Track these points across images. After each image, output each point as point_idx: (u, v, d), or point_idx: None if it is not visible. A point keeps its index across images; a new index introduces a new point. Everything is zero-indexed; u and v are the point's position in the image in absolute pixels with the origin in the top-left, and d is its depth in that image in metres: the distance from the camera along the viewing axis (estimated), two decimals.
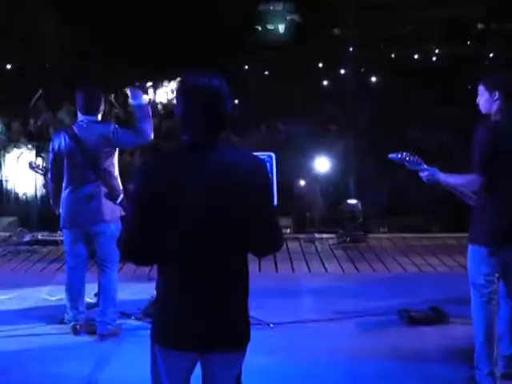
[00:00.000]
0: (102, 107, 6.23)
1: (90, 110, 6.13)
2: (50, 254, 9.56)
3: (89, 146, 6.01)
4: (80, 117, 6.18)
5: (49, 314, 6.68)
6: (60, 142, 6.13)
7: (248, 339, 3.18)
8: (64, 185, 6.19)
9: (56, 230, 10.10)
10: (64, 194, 6.19)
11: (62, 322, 6.45)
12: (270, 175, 3.21)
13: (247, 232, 3.07)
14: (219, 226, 3.02)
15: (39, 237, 10.15)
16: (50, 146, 6.27)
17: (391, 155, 5.29)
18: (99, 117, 6.21)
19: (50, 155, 6.28)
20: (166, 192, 2.99)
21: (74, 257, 6.26)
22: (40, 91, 18.70)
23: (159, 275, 3.13)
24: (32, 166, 7.03)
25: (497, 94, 4.97)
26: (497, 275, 5.00)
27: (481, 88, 5.05)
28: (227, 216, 3.01)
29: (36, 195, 11.58)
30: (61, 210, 6.24)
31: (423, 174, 5.13)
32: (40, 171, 7.10)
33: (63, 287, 6.49)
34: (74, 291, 6.29)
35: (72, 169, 6.11)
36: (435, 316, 6.64)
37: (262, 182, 3.09)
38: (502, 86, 4.99)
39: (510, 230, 4.89)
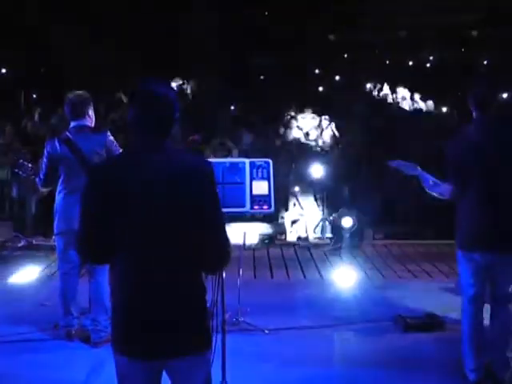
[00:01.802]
0: (90, 112, 6.30)
1: (78, 115, 6.22)
2: (44, 259, 9.55)
3: (83, 151, 6.03)
4: (71, 123, 6.26)
5: (43, 320, 6.65)
6: (55, 147, 6.15)
7: (210, 342, 3.17)
8: (58, 190, 6.21)
9: (51, 235, 10.11)
10: (57, 199, 6.21)
11: (55, 327, 6.43)
12: (215, 180, 3.17)
13: (191, 238, 3.07)
14: (163, 225, 3.04)
15: (34, 242, 10.14)
16: (45, 152, 6.26)
17: (389, 163, 5.39)
18: (90, 122, 6.28)
19: (45, 160, 6.26)
20: (111, 192, 3.05)
21: (66, 262, 6.25)
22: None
23: (111, 278, 3.16)
24: (19, 165, 6.72)
25: (469, 103, 5.04)
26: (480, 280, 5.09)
27: None
28: (171, 216, 3.04)
29: (32, 200, 11.55)
30: (54, 216, 6.22)
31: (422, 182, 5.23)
32: (27, 171, 6.77)
33: (58, 292, 6.47)
34: (68, 297, 6.28)
35: (67, 174, 6.15)
36: (431, 323, 6.64)
37: (205, 184, 3.10)
38: (474, 96, 5.05)
39: (482, 236, 4.96)
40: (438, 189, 5.18)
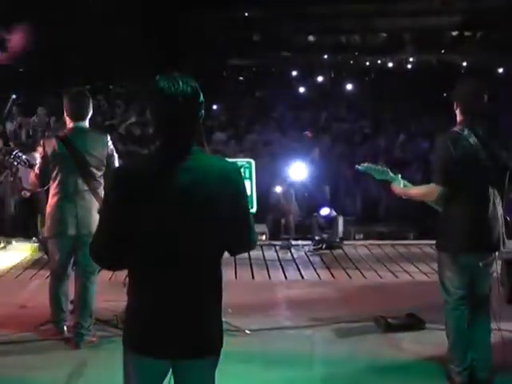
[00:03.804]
0: (90, 113, 6.19)
1: (82, 116, 6.10)
2: (24, 261, 9.50)
3: (83, 154, 5.96)
4: (70, 123, 6.13)
5: (24, 322, 6.61)
6: (53, 147, 6.02)
7: (221, 346, 3.16)
8: (53, 192, 6.07)
9: (31, 236, 10.07)
10: (52, 201, 6.07)
11: (36, 328, 6.39)
12: (243, 179, 3.18)
13: (220, 238, 3.06)
14: (191, 232, 2.99)
15: (13, 243, 10.08)
16: (42, 152, 6.10)
17: (358, 167, 5.39)
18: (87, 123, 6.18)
19: (40, 161, 6.11)
20: (137, 197, 2.97)
21: (60, 266, 6.18)
22: (12, 96, 18.56)
23: (130, 280, 3.10)
24: (14, 155, 6.42)
25: (455, 103, 5.05)
26: (465, 282, 5.10)
27: None
28: (199, 221, 3.00)
29: (10, 201, 11.48)
30: (46, 219, 6.14)
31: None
32: (21, 161, 6.42)
33: (39, 294, 6.44)
34: (59, 299, 6.21)
35: (63, 176, 6.01)
36: (411, 322, 6.67)
37: (235, 187, 3.07)
38: (460, 97, 5.07)
39: (471, 239, 4.96)
40: (418, 190, 5.17)
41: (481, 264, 5.01)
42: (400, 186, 5.25)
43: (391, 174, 5.29)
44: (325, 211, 10.99)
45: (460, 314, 5.11)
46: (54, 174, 6.05)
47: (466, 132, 4.93)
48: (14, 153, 6.50)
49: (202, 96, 3.04)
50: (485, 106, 5.04)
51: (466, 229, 4.95)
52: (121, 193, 3.01)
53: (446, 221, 5.08)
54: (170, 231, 2.99)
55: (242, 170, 5.65)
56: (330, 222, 11.11)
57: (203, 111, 3.07)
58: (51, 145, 6.05)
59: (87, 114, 6.15)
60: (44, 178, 6.12)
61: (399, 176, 5.33)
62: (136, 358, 3.07)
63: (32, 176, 6.27)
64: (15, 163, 6.48)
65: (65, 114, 6.20)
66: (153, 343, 3.03)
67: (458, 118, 5.08)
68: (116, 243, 3.03)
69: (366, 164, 5.41)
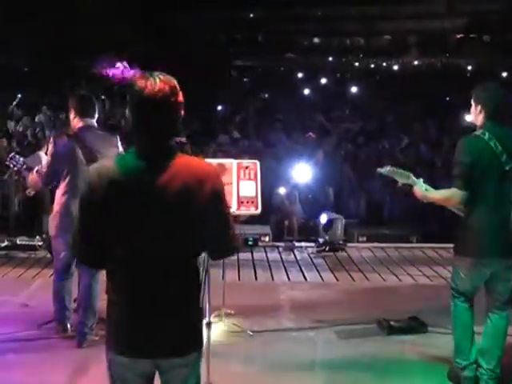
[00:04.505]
0: (97, 113, 6.23)
1: (91, 114, 6.14)
2: (28, 260, 9.51)
3: (93, 151, 5.94)
4: (79, 122, 6.14)
5: (27, 320, 6.61)
6: (63, 146, 6.01)
7: (201, 343, 3.13)
8: (62, 190, 6.05)
9: (34, 235, 10.07)
10: (61, 200, 6.05)
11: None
12: (222, 183, 3.08)
13: (196, 240, 3.02)
14: (165, 233, 2.95)
15: (17, 242, 10.08)
16: (51, 150, 6.08)
17: (380, 170, 5.37)
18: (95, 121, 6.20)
19: (49, 159, 6.10)
20: (110, 198, 2.93)
21: (64, 264, 6.17)
22: (18, 97, 18.64)
23: (107, 280, 3.08)
24: (11, 158, 6.52)
25: (479, 107, 5.01)
26: (480, 285, 5.11)
27: (472, 99, 5.10)
28: (173, 223, 2.95)
29: (15, 199, 11.49)
30: (54, 217, 6.14)
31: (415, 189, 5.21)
32: (18, 164, 6.51)
33: (42, 293, 6.44)
34: (65, 297, 6.22)
35: (74, 175, 5.99)
36: (414, 325, 6.66)
37: (213, 190, 2.98)
38: (485, 99, 5.02)
39: (493, 243, 4.94)
40: (439, 195, 5.14)
41: (500, 268, 4.99)
42: (422, 189, 5.21)
43: (413, 178, 5.25)
44: (323, 219, 10.95)
45: (466, 310, 5.13)
46: (64, 172, 6.05)
47: (487, 135, 4.91)
48: (11, 155, 6.53)
49: (180, 96, 2.98)
50: (510, 109, 5.03)
51: (486, 233, 4.93)
52: (94, 194, 2.97)
53: (466, 225, 5.03)
54: (144, 232, 2.95)
55: (247, 170, 5.65)
56: (330, 224, 11.07)
57: (182, 112, 3.00)
58: (62, 143, 6.04)
59: (95, 113, 6.19)
60: (52, 177, 6.12)
61: (421, 180, 5.29)
62: (118, 360, 3.05)
63: (33, 176, 6.28)
64: (11, 166, 6.50)
65: (72, 114, 6.21)
66: (130, 343, 3.00)
67: (480, 121, 5.02)
68: (93, 244, 3.01)
69: (388, 168, 5.36)
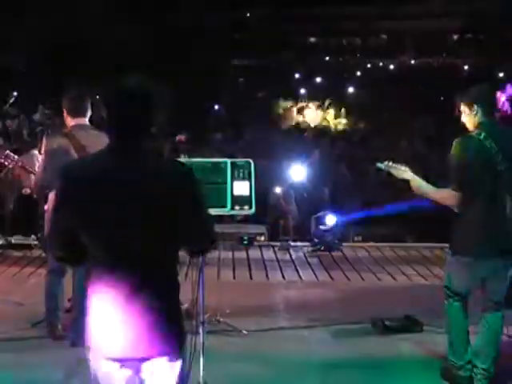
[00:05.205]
0: (89, 111, 6.20)
1: (82, 113, 6.12)
2: (23, 259, 9.50)
3: (88, 150, 5.88)
4: (71, 121, 6.13)
5: (21, 320, 6.60)
6: (58, 144, 5.96)
7: (182, 343, 3.10)
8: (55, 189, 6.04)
9: (30, 234, 10.05)
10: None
11: (33, 326, 6.38)
12: (198, 182, 3.08)
13: (172, 238, 3.02)
14: (138, 232, 2.95)
15: (12, 241, 10.07)
16: (47, 148, 6.04)
17: (379, 164, 5.39)
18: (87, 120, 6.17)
19: (44, 157, 6.05)
20: (83, 196, 2.94)
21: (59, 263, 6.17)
22: (14, 94, 18.60)
23: (87, 278, 3.07)
24: (5, 155, 6.45)
25: (475, 107, 5.01)
26: (475, 285, 5.12)
27: (461, 105, 5.10)
28: (145, 222, 2.94)
29: (10, 198, 11.46)
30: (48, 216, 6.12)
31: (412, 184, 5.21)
32: (13, 161, 6.45)
33: (36, 292, 6.43)
34: (58, 296, 6.22)
35: None
36: (409, 324, 6.67)
37: (188, 189, 3.01)
38: (481, 98, 5.03)
39: (488, 243, 4.95)
40: (437, 194, 5.14)
41: (496, 268, 5.00)
42: (419, 185, 5.22)
43: (411, 173, 5.27)
44: (330, 220, 10.86)
45: (460, 309, 5.15)
46: (55, 172, 6.00)
47: (482, 135, 4.91)
48: (5, 153, 6.50)
49: (155, 98, 3.02)
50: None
51: (482, 233, 4.94)
52: (67, 192, 3.00)
53: (461, 224, 5.04)
54: (117, 230, 2.94)
55: (241, 170, 5.64)
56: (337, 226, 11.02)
57: (158, 114, 3.03)
58: (55, 142, 6.02)
59: (87, 111, 6.16)
60: (47, 175, 6.05)
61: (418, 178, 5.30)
62: (99, 362, 3.05)
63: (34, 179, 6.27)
64: (6, 163, 6.47)
65: (65, 114, 6.20)
66: (112, 346, 2.99)
67: (476, 120, 5.02)
68: (68, 242, 3.02)
69: (386, 162, 5.38)
